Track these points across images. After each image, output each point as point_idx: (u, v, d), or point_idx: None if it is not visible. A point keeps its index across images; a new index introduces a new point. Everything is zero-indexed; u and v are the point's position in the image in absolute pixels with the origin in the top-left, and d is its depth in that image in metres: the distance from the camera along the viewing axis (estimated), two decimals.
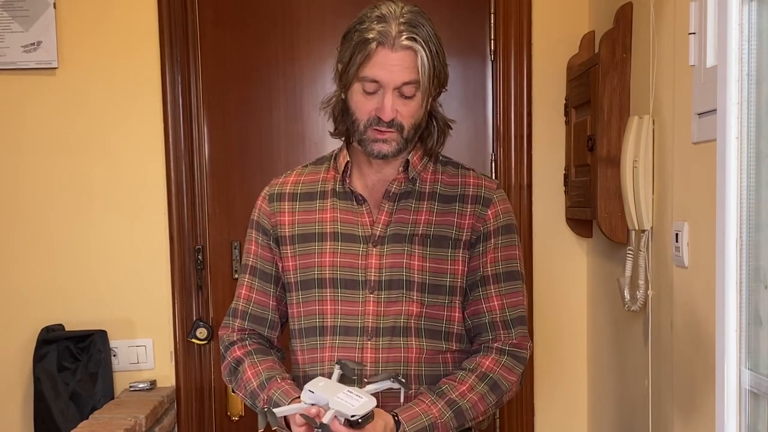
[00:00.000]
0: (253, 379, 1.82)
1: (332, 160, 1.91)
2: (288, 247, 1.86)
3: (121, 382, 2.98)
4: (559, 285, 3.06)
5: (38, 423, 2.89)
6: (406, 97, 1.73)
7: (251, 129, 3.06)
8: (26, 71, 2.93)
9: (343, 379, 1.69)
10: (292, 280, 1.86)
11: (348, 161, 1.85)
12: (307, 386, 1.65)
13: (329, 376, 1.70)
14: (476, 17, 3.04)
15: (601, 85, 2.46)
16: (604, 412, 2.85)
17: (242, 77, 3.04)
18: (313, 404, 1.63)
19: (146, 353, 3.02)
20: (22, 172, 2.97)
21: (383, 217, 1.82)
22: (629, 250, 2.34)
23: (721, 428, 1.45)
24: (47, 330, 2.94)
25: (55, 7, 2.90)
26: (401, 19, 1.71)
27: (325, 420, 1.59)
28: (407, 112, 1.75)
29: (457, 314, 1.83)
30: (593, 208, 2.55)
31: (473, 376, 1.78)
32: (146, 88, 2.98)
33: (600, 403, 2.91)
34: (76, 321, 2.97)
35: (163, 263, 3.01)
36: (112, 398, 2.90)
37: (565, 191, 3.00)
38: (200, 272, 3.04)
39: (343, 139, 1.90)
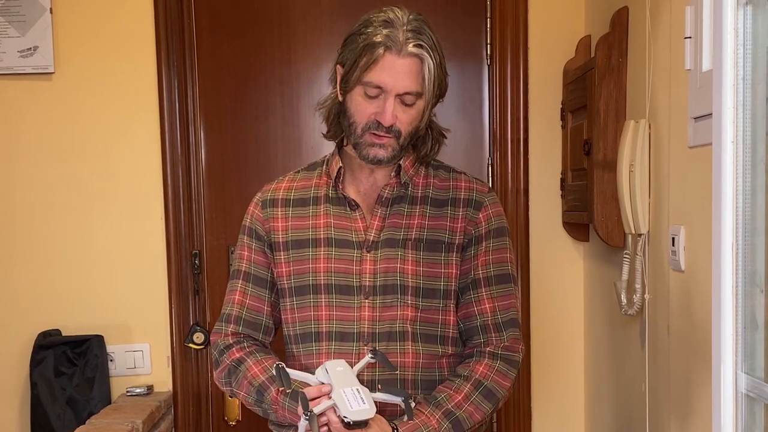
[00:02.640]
0: (260, 375, 1.81)
1: (324, 166, 1.91)
2: (281, 253, 1.86)
3: (118, 387, 2.98)
4: (556, 289, 3.06)
5: (35, 428, 2.89)
6: (407, 105, 1.74)
7: (248, 134, 3.05)
8: (22, 76, 2.93)
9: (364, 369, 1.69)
10: (286, 286, 1.86)
11: (341, 167, 1.85)
12: (327, 364, 1.66)
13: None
14: (472, 21, 3.04)
15: (597, 89, 2.46)
16: (602, 416, 2.85)
17: (239, 82, 3.04)
18: (322, 383, 1.64)
19: (143, 358, 3.01)
20: (19, 177, 2.96)
21: (377, 223, 1.83)
22: (626, 253, 2.34)
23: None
24: (44, 335, 2.93)
25: (51, 12, 2.90)
26: (408, 26, 1.71)
27: (321, 407, 1.60)
28: (406, 119, 1.76)
29: (452, 318, 1.84)
30: (590, 212, 2.55)
31: (468, 385, 1.78)
32: (143, 94, 2.97)
33: (597, 407, 2.91)
34: (73, 326, 2.97)
35: (160, 268, 3.01)
36: (109, 403, 2.90)
37: (561, 195, 3.01)
38: (197, 277, 3.04)
39: (335, 142, 1.90)
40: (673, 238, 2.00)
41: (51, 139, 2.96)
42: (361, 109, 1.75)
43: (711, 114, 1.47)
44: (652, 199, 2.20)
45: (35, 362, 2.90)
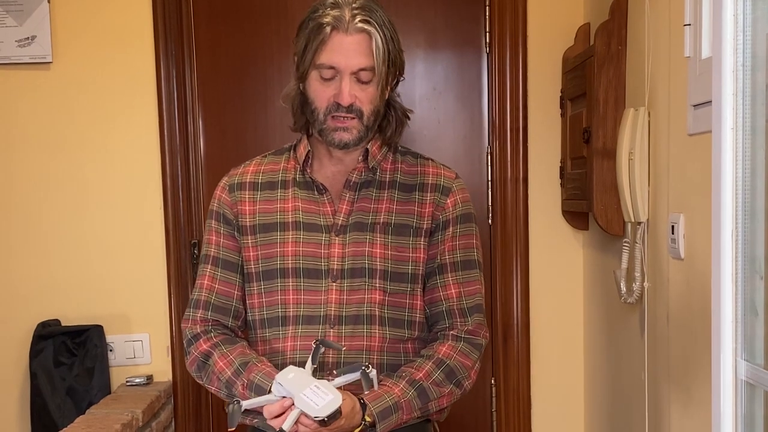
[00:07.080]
0: (226, 369, 1.80)
1: (291, 151, 1.92)
2: (249, 237, 1.86)
3: (117, 377, 2.98)
4: (556, 278, 3.06)
5: (35, 418, 2.89)
6: (363, 83, 1.75)
7: (246, 123, 3.05)
8: (20, 66, 2.92)
9: (317, 358, 1.68)
10: (253, 270, 1.86)
11: (309, 151, 1.86)
12: (277, 378, 1.65)
13: (298, 363, 1.70)
14: (471, 10, 3.03)
15: (596, 77, 2.46)
16: (601, 404, 2.85)
17: (237, 71, 3.03)
18: (283, 397, 1.63)
19: (143, 348, 3.01)
20: (17, 167, 2.96)
21: (345, 207, 1.83)
22: (625, 242, 2.34)
23: (718, 419, 1.46)
24: (43, 325, 2.93)
25: (49, 1, 2.89)
26: (354, 5, 1.73)
27: (289, 422, 1.59)
28: (366, 98, 1.76)
29: (419, 302, 1.85)
30: (589, 200, 2.55)
31: (430, 363, 1.79)
32: (141, 83, 2.97)
33: (596, 394, 2.92)
34: (72, 316, 2.97)
35: (159, 258, 3.01)
36: (109, 393, 2.90)
37: (561, 184, 3.00)
38: (196, 266, 3.03)
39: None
40: (673, 226, 2.00)
41: (49, 128, 2.96)
42: (319, 93, 1.77)
43: (710, 101, 1.47)
44: (652, 187, 2.20)
45: (35, 352, 2.90)
